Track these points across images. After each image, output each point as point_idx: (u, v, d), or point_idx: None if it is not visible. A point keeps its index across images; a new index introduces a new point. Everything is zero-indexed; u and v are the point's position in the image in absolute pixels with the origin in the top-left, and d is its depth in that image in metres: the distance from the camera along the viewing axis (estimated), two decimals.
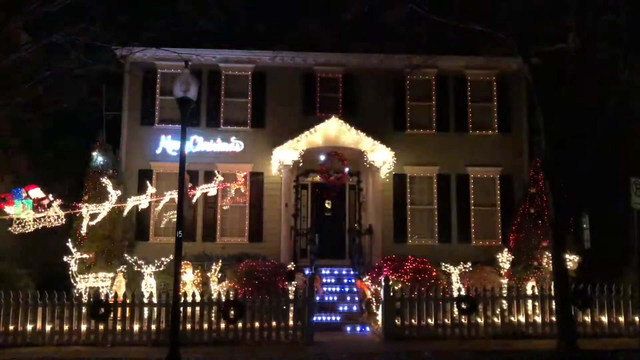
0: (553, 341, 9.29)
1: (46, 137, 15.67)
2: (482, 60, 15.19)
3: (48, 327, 9.74)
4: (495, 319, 10.54)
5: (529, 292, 11.23)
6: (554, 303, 9.87)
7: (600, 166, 16.10)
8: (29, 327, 9.71)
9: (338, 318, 11.74)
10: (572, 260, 12.69)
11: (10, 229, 11.36)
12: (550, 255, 11.66)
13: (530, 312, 10.58)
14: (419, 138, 15.66)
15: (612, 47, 9.65)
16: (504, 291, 11.19)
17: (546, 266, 12.94)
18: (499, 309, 10.61)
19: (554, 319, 10.06)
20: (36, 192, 11.40)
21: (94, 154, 14.13)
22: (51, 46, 10.23)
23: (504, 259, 13.01)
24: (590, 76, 10.29)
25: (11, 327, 9.65)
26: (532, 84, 9.94)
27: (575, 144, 9.68)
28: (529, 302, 10.68)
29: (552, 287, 10.09)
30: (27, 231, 11.45)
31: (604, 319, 10.57)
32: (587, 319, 10.57)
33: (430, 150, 15.55)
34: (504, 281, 12.70)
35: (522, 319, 10.51)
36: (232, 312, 9.84)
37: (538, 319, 10.51)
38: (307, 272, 12.50)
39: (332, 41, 14.11)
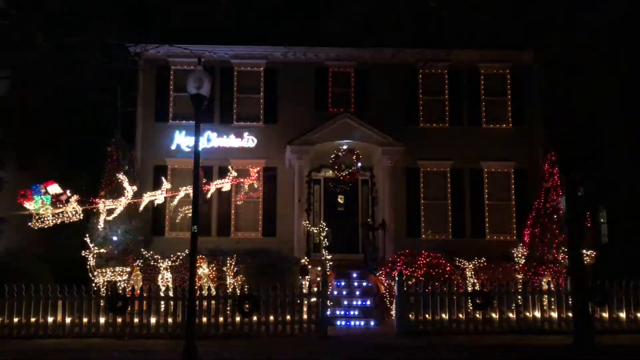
0: (569, 337, 9.20)
1: (63, 133, 15.93)
2: (495, 53, 15.03)
3: (68, 320, 9.99)
4: (510, 314, 10.47)
5: (545, 287, 11.13)
6: (570, 298, 9.77)
7: (619, 160, 15.85)
8: (50, 319, 9.96)
9: (351, 312, 11.77)
10: (588, 255, 12.52)
11: (30, 224, 11.63)
12: (566, 250, 11.55)
13: (545, 308, 10.48)
14: (432, 132, 15.55)
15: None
16: (519, 286, 11.09)
17: (562, 261, 12.80)
18: (514, 304, 10.54)
19: (570, 314, 9.97)
20: (54, 188, 11.64)
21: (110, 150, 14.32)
22: (68, 44, 10.39)
23: (519, 254, 12.88)
24: (604, 70, 10.12)
25: (32, 320, 9.92)
26: (546, 76, 9.82)
27: (592, 138, 9.56)
28: (545, 297, 10.58)
29: (569, 282, 9.99)
30: (46, 226, 11.71)
31: (622, 315, 10.43)
32: (605, 314, 10.44)
33: (444, 145, 15.42)
34: (519, 276, 12.59)
35: (537, 314, 10.43)
36: (247, 305, 9.95)
37: (554, 315, 10.41)
38: (320, 266, 12.55)
39: (343, 36, 14.05)
